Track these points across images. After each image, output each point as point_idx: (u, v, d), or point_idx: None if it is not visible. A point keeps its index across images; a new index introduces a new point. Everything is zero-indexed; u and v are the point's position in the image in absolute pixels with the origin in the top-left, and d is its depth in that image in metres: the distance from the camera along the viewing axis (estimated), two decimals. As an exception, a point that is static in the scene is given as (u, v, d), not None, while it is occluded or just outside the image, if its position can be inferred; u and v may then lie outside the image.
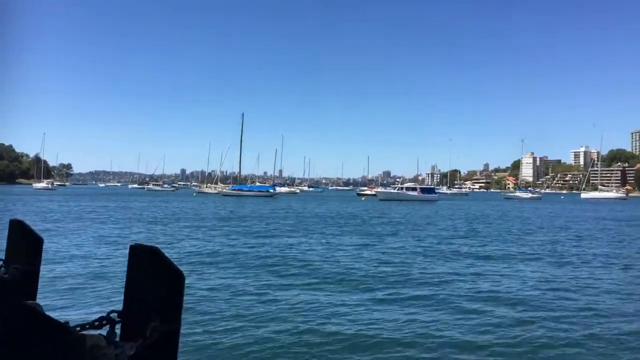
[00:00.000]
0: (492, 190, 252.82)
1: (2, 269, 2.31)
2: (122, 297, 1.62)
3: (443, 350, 7.16)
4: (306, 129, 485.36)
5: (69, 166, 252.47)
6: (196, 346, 7.07)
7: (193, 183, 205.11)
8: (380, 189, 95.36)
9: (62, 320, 1.31)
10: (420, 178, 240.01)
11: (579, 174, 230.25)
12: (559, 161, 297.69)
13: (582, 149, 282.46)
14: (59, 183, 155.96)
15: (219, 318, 8.57)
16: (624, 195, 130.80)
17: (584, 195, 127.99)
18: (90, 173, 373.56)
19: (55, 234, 21.03)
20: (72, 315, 8.20)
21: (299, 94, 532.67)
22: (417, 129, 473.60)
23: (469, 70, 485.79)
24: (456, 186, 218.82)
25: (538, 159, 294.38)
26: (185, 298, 1.64)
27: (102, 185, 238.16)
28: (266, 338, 7.59)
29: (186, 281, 1.63)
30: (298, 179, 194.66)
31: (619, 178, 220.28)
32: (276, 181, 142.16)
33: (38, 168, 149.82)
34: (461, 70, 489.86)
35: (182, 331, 1.66)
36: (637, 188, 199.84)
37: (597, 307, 9.82)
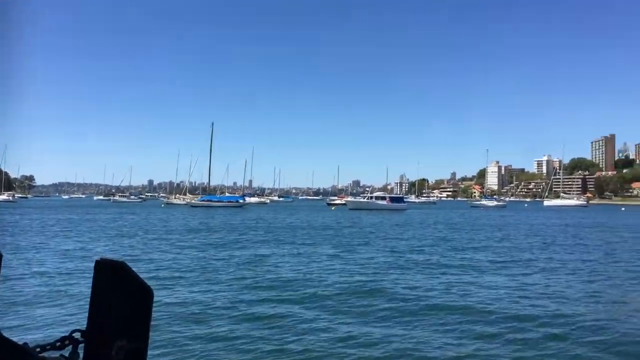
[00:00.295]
0: (459, 198, 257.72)
1: None
2: (86, 316, 1.53)
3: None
4: (276, 139, 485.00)
5: (31, 178, 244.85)
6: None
7: (161, 194, 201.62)
8: (350, 199, 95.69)
9: (20, 342, 1.24)
10: (389, 187, 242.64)
11: (542, 182, 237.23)
12: (523, 170, 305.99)
13: (545, 158, 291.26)
14: (20, 195, 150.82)
15: (189, 335, 8.28)
16: (585, 202, 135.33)
17: (546, 202, 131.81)
18: (54, 185, 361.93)
19: (15, 249, 20.17)
20: (32, 336, 7.82)
21: (269, 104, 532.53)
22: (386, 139, 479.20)
23: (437, 79, 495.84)
24: (424, 195, 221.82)
25: (503, 168, 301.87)
26: (153, 314, 1.55)
27: (66, 197, 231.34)
28: (239, 354, 7.37)
29: (155, 297, 1.56)
30: (268, 189, 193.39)
31: (580, 186, 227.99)
32: (246, 191, 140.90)
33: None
34: (428, 79, 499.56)
35: (149, 350, 1.56)
36: (597, 195, 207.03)
37: (567, 313, 9.97)
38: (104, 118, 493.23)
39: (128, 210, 70.36)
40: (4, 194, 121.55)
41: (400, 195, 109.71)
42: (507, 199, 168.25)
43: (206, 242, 24.39)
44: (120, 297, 1.49)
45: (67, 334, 1.52)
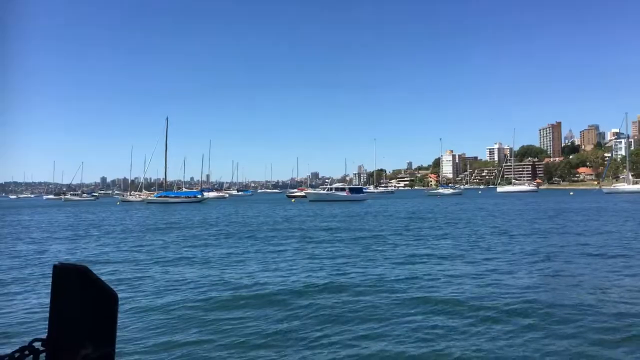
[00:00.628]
0: (416, 187, 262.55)
1: None
2: (45, 324, 1.44)
3: None
4: (233, 133, 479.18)
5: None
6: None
7: (115, 191, 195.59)
8: (310, 191, 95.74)
9: None
10: (348, 178, 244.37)
11: (494, 170, 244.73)
12: (476, 158, 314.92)
13: (496, 146, 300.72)
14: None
15: (156, 342, 8.04)
16: (535, 188, 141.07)
17: (499, 189, 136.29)
18: (0, 185, 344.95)
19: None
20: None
21: (225, 97, 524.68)
22: (344, 130, 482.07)
23: (391, 71, 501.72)
24: (382, 185, 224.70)
25: (457, 156, 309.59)
26: (118, 319, 1.50)
27: (14, 197, 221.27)
28: (204, 356, 7.21)
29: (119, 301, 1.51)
30: (226, 183, 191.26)
31: (530, 172, 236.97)
32: (204, 186, 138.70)
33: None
34: (383, 71, 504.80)
35: (116, 357, 1.52)
36: (546, 181, 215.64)
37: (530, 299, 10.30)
38: (51, 114, 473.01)
39: (81, 209, 67.85)
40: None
41: (360, 186, 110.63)
42: (462, 186, 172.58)
43: (169, 240, 23.80)
44: (83, 302, 1.42)
45: (26, 344, 1.44)
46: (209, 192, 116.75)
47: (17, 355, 1.40)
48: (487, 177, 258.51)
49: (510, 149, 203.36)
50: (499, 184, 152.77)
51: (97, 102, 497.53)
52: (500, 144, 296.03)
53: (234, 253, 18.64)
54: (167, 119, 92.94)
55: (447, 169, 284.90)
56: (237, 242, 22.45)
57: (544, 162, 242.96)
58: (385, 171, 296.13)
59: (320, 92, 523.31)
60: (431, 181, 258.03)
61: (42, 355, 1.44)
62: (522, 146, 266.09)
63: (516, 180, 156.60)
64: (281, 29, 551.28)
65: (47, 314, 1.46)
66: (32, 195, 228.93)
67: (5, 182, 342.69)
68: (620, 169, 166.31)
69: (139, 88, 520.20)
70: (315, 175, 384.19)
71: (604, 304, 9.80)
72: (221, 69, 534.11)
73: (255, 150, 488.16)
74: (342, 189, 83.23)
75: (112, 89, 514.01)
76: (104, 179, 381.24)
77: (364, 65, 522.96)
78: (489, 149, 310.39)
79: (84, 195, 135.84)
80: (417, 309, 9.68)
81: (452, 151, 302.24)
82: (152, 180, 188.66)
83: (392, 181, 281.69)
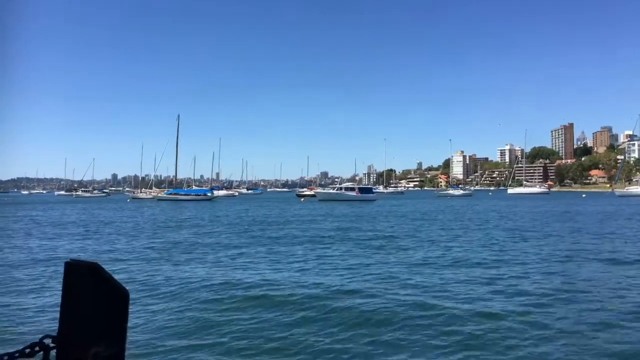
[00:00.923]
0: (425, 188, 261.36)
1: None
2: (56, 321, 1.43)
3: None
4: (244, 131, 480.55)
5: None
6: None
7: (126, 188, 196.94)
8: (319, 190, 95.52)
9: None
10: (357, 178, 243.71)
11: (505, 171, 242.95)
12: (487, 159, 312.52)
13: (507, 147, 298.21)
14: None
15: (165, 342, 7.87)
16: (547, 190, 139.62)
17: (510, 190, 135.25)
18: (12, 180, 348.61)
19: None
20: None
21: (235, 95, 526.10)
22: (354, 130, 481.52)
23: (402, 71, 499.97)
24: (392, 185, 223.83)
25: (467, 157, 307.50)
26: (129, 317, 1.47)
27: (26, 192, 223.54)
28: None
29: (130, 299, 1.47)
30: (236, 181, 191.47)
31: (542, 173, 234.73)
32: (213, 184, 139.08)
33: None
34: (394, 71, 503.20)
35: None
36: (557, 183, 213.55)
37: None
38: (63, 111, 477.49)
39: (93, 205, 68.24)
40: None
41: (369, 186, 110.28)
42: (472, 187, 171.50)
43: (180, 239, 23.72)
44: (94, 299, 1.42)
45: (36, 340, 1.43)
46: (218, 190, 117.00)
47: (27, 351, 1.39)
48: (497, 178, 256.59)
49: (522, 150, 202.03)
50: (510, 185, 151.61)
51: (108, 100, 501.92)
52: (512, 145, 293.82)
53: (245, 253, 18.47)
54: (178, 116, 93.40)
55: (457, 170, 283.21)
56: (249, 242, 22.30)
57: (555, 164, 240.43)
58: (395, 171, 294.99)
59: (330, 92, 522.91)
60: (441, 182, 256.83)
61: (53, 352, 1.43)
62: (534, 147, 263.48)
63: (527, 182, 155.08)
64: (290, 29, 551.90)
65: (58, 311, 1.45)
66: (44, 191, 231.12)
67: (17, 178, 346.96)
68: (634, 171, 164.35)
69: (149, 87, 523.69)
70: (324, 174, 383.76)
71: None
72: (230, 69, 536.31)
73: (265, 149, 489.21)
74: (352, 189, 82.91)
75: (123, 88, 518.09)
76: (114, 176, 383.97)
77: (375, 65, 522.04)
78: (500, 150, 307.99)
79: (95, 191, 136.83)
80: (440, 317, 9.41)
81: (462, 152, 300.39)
82: (162, 178, 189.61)
83: (401, 181, 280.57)
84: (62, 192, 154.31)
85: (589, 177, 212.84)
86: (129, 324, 1.49)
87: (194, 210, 52.77)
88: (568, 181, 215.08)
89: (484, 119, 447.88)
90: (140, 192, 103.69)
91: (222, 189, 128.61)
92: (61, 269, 1.47)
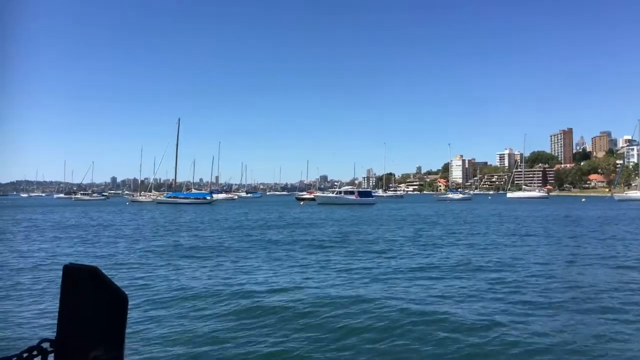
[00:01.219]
0: (425, 192, 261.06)
1: None
2: (54, 324, 1.42)
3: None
4: (243, 135, 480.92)
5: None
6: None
7: (125, 191, 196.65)
8: (319, 194, 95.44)
9: None
10: (356, 182, 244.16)
11: (504, 175, 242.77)
12: (486, 163, 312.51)
13: (507, 151, 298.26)
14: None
15: (165, 347, 7.77)
16: (546, 194, 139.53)
17: (509, 195, 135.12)
18: (12, 183, 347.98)
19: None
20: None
21: (235, 99, 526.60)
22: (353, 134, 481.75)
23: (401, 76, 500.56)
24: (391, 189, 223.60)
25: (467, 161, 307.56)
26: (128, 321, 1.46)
27: (25, 195, 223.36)
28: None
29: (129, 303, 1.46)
30: (235, 184, 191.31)
31: (541, 178, 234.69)
32: (213, 188, 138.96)
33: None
34: (393, 75, 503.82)
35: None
36: (557, 187, 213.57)
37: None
38: (62, 114, 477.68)
39: (92, 208, 68.07)
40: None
41: (369, 190, 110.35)
42: (472, 191, 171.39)
43: (178, 242, 23.61)
44: (93, 303, 1.41)
45: (34, 344, 1.41)
46: (218, 193, 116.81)
47: (25, 355, 1.37)
48: (497, 182, 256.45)
49: (521, 155, 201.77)
50: (509, 189, 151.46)
51: (108, 100, 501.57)
52: (511, 149, 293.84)
53: (245, 257, 18.38)
54: (179, 120, 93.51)
55: (456, 174, 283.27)
56: (248, 245, 22.20)
57: (554, 169, 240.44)
58: (394, 175, 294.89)
59: (330, 94, 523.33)
60: (440, 186, 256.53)
61: (51, 356, 1.42)
62: (533, 152, 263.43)
63: (526, 186, 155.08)
64: (290, 29, 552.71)
65: (57, 315, 1.44)
66: (43, 194, 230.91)
67: (17, 181, 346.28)
68: (633, 176, 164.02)
69: (149, 87, 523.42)
70: (324, 178, 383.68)
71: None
72: (230, 69, 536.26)
73: (264, 152, 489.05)
74: (351, 192, 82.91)
75: (123, 88, 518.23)
76: (114, 179, 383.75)
77: (375, 66, 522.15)
78: (499, 154, 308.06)
79: (94, 194, 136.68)
80: (444, 329, 9.32)
81: (461, 156, 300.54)
82: (161, 181, 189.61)
83: (401, 185, 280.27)
84: (62, 195, 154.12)
85: (588, 182, 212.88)
86: (128, 329, 1.48)
87: (194, 213, 52.65)
88: (567, 185, 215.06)
89: (483, 124, 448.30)
90: (140, 196, 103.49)
91: (221, 193, 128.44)
92: (60, 272, 1.45)
